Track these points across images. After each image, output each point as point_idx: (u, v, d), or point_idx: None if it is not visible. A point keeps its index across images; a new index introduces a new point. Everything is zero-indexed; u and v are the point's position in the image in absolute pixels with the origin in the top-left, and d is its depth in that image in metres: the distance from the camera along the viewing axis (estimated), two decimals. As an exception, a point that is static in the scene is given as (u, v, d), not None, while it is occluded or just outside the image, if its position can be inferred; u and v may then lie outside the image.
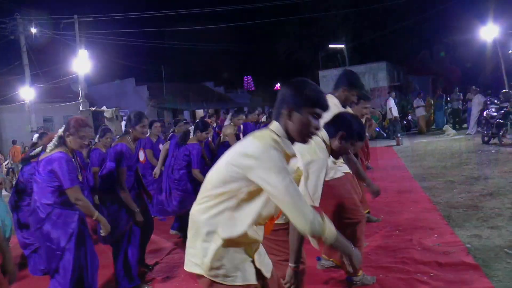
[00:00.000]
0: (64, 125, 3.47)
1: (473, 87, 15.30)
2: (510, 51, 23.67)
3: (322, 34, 33.72)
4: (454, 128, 16.30)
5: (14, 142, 17.02)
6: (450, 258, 3.97)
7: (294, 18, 31.04)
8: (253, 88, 55.22)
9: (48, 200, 3.27)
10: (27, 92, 17.16)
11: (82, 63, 14.71)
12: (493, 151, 10.18)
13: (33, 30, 16.00)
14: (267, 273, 2.05)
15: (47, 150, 3.37)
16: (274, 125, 1.96)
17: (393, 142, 14.17)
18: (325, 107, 1.95)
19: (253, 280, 1.94)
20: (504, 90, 13.43)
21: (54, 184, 3.26)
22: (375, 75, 22.99)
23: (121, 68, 36.67)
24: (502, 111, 11.27)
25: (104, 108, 14.83)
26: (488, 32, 18.84)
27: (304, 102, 1.91)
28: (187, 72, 43.47)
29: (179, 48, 34.68)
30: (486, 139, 11.50)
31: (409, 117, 18.20)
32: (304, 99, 1.91)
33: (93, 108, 14.14)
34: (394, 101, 15.99)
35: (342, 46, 30.48)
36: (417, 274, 3.71)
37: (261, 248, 2.08)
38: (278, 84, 58.97)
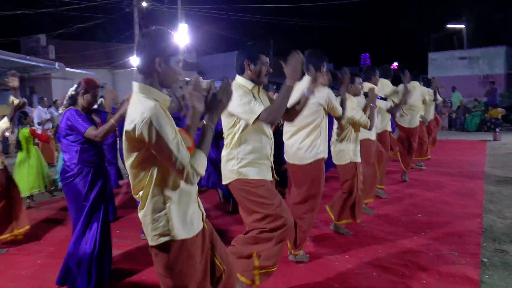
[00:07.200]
0: (76, 85, 3.68)
1: None
2: None
3: (441, 12, 31.00)
4: None
5: None
6: (455, 269, 3.76)
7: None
8: (369, 66, 53.16)
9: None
10: (136, 60, 18.83)
11: (181, 36, 15.79)
12: None
13: (144, 3, 17.53)
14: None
15: (60, 111, 3.77)
16: None
17: (490, 137, 12.96)
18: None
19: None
20: None
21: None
22: (490, 60, 20.52)
23: (231, 40, 38.44)
24: None
25: (200, 78, 15.71)
26: None
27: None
28: (297, 47, 43.32)
29: (289, 24, 34.82)
30: None
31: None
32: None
33: (187, 79, 15.18)
34: None
35: (462, 26, 27.79)
36: (411, 279, 3.62)
37: None
38: (396, 63, 55.95)
